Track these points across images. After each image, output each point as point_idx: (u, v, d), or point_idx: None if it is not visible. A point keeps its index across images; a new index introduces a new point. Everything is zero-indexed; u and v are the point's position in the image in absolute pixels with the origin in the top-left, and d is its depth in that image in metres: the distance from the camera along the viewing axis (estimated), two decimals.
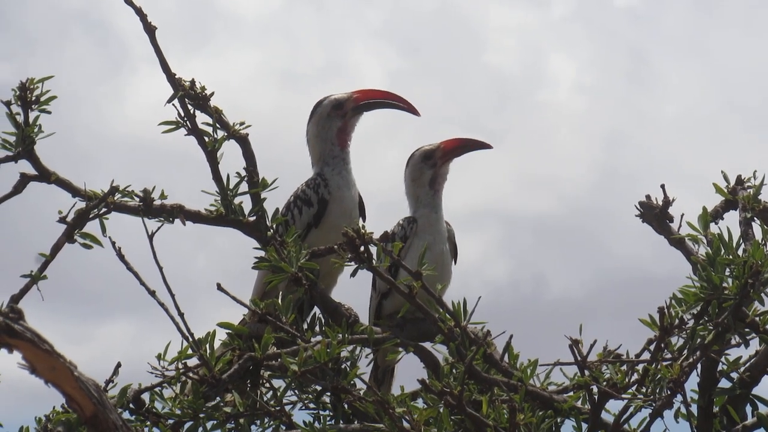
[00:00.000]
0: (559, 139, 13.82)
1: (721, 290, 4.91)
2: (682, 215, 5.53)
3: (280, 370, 5.20)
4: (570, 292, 11.84)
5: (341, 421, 5.25)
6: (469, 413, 4.81)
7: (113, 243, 5.25)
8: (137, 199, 5.61)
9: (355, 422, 5.19)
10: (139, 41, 6.21)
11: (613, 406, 4.95)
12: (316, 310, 5.73)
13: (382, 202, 6.80)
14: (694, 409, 5.10)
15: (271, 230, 5.63)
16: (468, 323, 5.11)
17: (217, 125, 5.68)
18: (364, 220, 5.96)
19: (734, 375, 5.13)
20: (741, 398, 5.13)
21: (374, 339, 5.33)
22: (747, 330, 4.99)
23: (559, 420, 5.08)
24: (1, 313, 4.01)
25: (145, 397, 5.13)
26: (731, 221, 5.58)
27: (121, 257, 5.21)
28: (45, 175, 5.66)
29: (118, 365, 5.17)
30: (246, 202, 5.67)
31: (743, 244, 5.18)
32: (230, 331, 5.33)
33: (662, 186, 5.66)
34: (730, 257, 4.95)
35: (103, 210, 5.55)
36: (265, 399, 5.23)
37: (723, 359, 5.08)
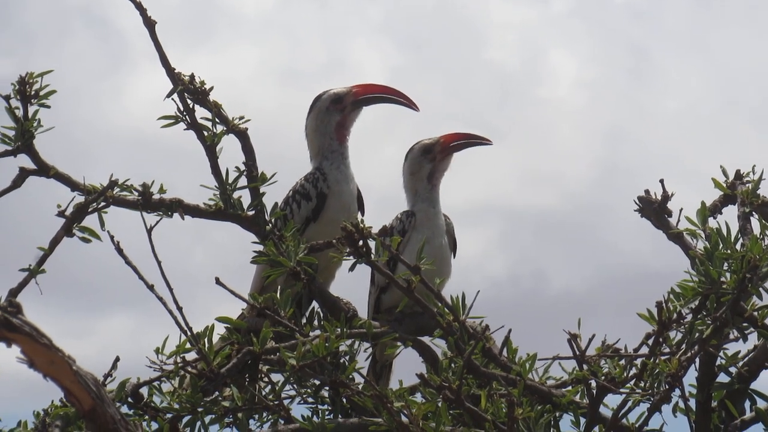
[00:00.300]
0: (560, 135, 13.82)
1: (720, 285, 4.91)
2: (681, 210, 5.53)
3: (279, 364, 5.20)
4: (570, 288, 11.84)
5: (339, 416, 5.25)
6: (467, 408, 4.82)
7: (112, 237, 5.25)
8: (136, 194, 5.61)
9: (354, 416, 5.19)
10: (139, 36, 6.23)
11: (612, 400, 4.95)
12: (315, 304, 5.73)
13: (381, 196, 6.81)
14: (692, 403, 5.10)
15: (270, 224, 5.63)
16: (467, 318, 5.11)
17: (217, 120, 5.68)
18: (362, 215, 5.96)
19: (733, 370, 5.13)
20: (739, 393, 5.13)
21: (373, 333, 5.33)
22: (745, 324, 4.99)
23: (557, 414, 5.08)
24: (0, 307, 4.01)
25: (144, 391, 5.13)
26: (730, 216, 5.59)
27: (120, 251, 5.21)
28: (44, 170, 5.66)
29: (117, 359, 5.17)
30: (245, 197, 5.68)
31: (741, 238, 5.18)
32: (229, 326, 5.32)
33: (661, 181, 5.67)
34: (729, 252, 4.94)
35: (102, 204, 5.54)
36: (263, 393, 5.22)
37: (721, 354, 5.08)
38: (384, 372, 5.89)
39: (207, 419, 5.08)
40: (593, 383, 4.93)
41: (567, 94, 14.69)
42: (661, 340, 4.89)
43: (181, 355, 5.13)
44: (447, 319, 5.11)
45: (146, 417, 5.09)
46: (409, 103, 6.01)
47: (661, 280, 5.44)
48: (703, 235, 5.26)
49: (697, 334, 4.90)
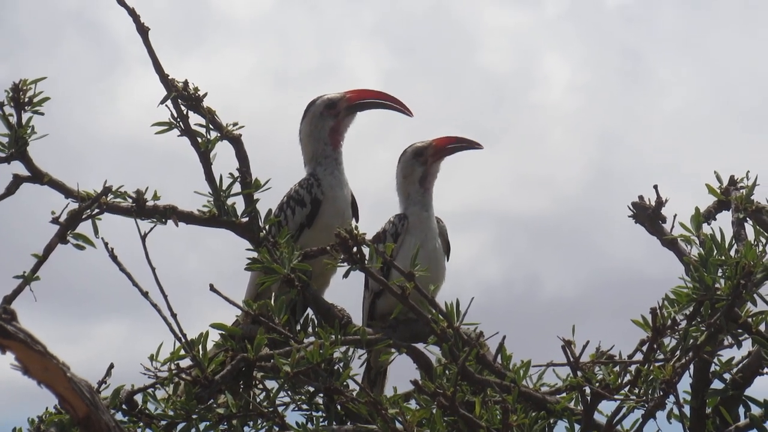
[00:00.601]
0: (553, 139, 13.84)
1: (714, 291, 4.92)
2: (675, 216, 5.53)
3: (273, 371, 5.20)
4: (564, 293, 11.85)
5: (334, 422, 5.25)
6: (461, 414, 4.81)
7: (106, 244, 5.25)
8: (130, 200, 5.60)
9: (348, 423, 5.19)
10: (133, 42, 6.21)
11: (606, 407, 4.95)
12: (309, 311, 5.73)
13: (375, 201, 6.81)
14: (686, 410, 5.10)
15: (264, 231, 5.62)
16: (461, 324, 5.11)
17: (210, 126, 5.68)
18: (357, 220, 5.96)
19: (727, 376, 5.13)
20: (734, 399, 5.13)
21: (367, 340, 5.33)
22: (739, 331, 5.00)
23: (551, 421, 5.09)
24: None
25: (138, 398, 5.13)
26: (724, 222, 5.59)
27: (114, 258, 5.21)
28: (38, 176, 5.65)
29: (111, 366, 5.18)
30: (239, 203, 5.68)
31: (736, 244, 5.18)
32: (223, 332, 5.32)
33: (655, 186, 5.67)
34: (723, 258, 4.95)
35: (96, 211, 5.53)
36: (257, 400, 5.22)
37: (715, 360, 5.08)
38: (378, 379, 5.88)
39: (201, 426, 5.08)
40: (587, 390, 4.92)
41: (560, 98, 14.72)
42: (655, 346, 4.90)
43: (176, 362, 5.12)
44: (441, 325, 5.11)
45: (141, 424, 5.10)
46: (403, 109, 6.01)
47: (655, 286, 5.44)
48: (698, 241, 5.27)
49: (691, 341, 4.91)
